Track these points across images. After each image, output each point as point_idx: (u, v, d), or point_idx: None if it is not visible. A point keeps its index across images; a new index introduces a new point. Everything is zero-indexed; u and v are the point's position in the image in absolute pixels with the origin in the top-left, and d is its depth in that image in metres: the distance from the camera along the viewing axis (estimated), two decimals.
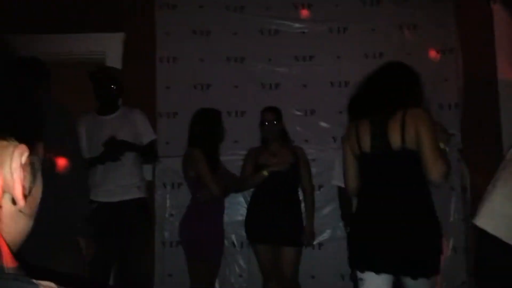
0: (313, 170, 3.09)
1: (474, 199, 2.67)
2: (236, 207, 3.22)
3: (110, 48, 3.43)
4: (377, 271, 1.97)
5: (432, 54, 3.41)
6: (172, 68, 3.47)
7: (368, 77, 2.20)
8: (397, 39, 3.44)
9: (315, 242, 3.14)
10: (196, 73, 3.47)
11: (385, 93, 2.08)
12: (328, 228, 3.24)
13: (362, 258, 2.05)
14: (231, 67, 3.48)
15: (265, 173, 2.88)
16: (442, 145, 2.01)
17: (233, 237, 3.28)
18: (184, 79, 3.46)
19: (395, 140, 1.98)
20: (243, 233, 3.02)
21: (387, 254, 1.96)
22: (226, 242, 3.09)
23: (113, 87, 2.90)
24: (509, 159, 1.67)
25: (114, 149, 2.77)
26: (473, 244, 1.69)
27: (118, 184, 2.83)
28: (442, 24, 3.42)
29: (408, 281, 1.98)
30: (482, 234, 1.62)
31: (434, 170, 1.89)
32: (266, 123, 2.99)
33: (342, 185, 2.92)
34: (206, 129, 2.90)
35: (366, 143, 2.06)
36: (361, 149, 2.08)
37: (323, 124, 3.37)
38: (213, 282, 2.95)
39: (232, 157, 3.20)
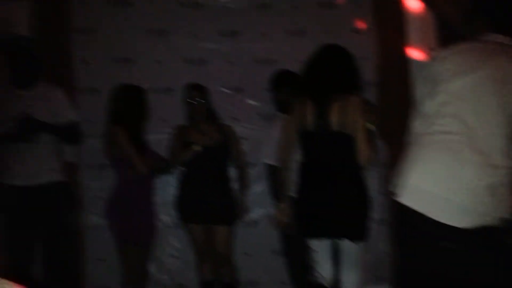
0: (243, 148, 3.12)
1: (390, 173, 2.91)
2: (168, 188, 3.16)
3: (17, 16, 3.07)
4: (319, 237, 2.33)
5: (350, 32, 3.57)
6: (90, 40, 3.23)
7: (313, 58, 2.39)
8: (317, 18, 3.53)
9: (248, 220, 3.22)
10: (116, 46, 3.27)
11: (329, 77, 2.29)
12: (261, 205, 3.30)
13: (306, 226, 2.35)
14: (153, 41, 3.34)
15: (197, 147, 2.84)
16: (370, 126, 2.22)
17: (166, 218, 3.23)
18: (104, 52, 3.25)
19: (334, 123, 2.20)
20: (175, 213, 2.99)
21: (325, 221, 2.27)
22: (158, 223, 3.03)
23: (32, 59, 2.66)
24: (417, 133, 1.81)
25: (27, 128, 2.56)
26: (393, 217, 1.82)
27: (33, 166, 2.64)
28: (359, 4, 3.57)
29: (343, 244, 2.31)
30: (403, 208, 1.69)
31: (363, 155, 2.24)
32: (191, 101, 2.94)
33: (272, 163, 3.03)
34: (128, 106, 2.78)
35: (310, 121, 2.26)
36: (304, 127, 2.26)
37: (251, 102, 3.39)
38: (145, 265, 2.92)
39: (160, 136, 3.10)
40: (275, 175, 2.97)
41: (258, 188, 3.29)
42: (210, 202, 2.85)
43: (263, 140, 3.07)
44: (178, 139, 2.94)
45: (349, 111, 2.21)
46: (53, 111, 2.69)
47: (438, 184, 1.54)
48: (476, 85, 1.56)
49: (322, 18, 3.53)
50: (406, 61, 3.39)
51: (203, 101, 2.94)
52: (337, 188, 2.27)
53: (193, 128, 2.95)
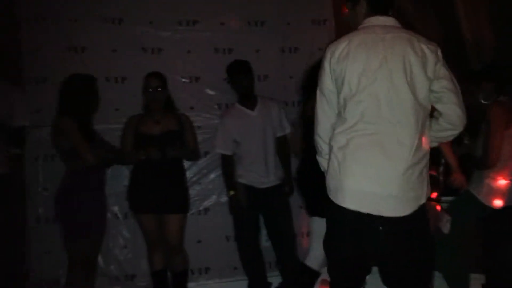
0: (199, 137, 3.05)
1: None
2: (119, 177, 3.04)
3: None
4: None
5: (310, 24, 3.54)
6: (40, 28, 3.08)
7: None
8: (276, 9, 3.49)
9: (201, 208, 3.20)
10: (68, 34, 3.13)
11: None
12: (214, 193, 3.25)
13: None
14: (108, 29, 3.21)
15: (142, 155, 2.75)
16: None
17: (116, 208, 3.12)
18: (56, 41, 3.10)
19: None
20: (126, 204, 2.89)
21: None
22: (108, 214, 2.92)
23: None
24: (340, 135, 1.79)
25: None
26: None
27: None
28: None
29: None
30: (340, 209, 1.72)
31: None
32: (150, 90, 2.85)
33: (225, 153, 2.99)
34: (77, 96, 2.65)
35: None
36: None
37: (208, 91, 3.30)
38: (95, 258, 2.80)
39: (114, 126, 2.99)
40: (227, 164, 3.00)
41: (212, 176, 3.25)
42: (161, 191, 2.77)
43: (217, 130, 3.03)
44: (130, 131, 2.84)
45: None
46: (6, 113, 2.57)
47: (371, 182, 1.61)
48: (385, 79, 1.61)
49: (282, 9, 3.49)
50: None
51: (162, 90, 2.86)
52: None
53: (149, 118, 2.85)
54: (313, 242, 2.59)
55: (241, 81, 2.98)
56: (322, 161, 1.83)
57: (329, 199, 1.71)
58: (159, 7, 3.27)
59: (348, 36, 1.70)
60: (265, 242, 3.14)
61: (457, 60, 3.07)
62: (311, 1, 3.53)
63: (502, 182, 2.49)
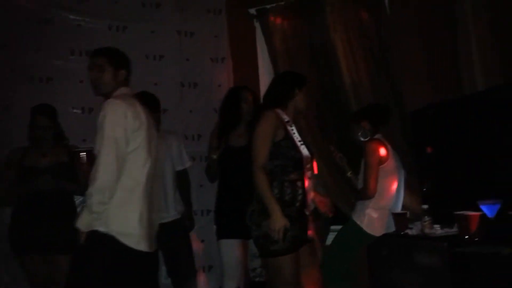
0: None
1: None
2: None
3: None
4: None
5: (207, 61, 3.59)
6: None
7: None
8: (176, 43, 3.48)
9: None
10: None
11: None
12: None
13: None
14: None
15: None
16: None
17: None
18: None
19: None
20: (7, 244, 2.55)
21: None
22: None
23: None
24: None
25: None
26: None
27: None
28: (216, 35, 3.63)
29: None
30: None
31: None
32: (37, 124, 2.61)
33: None
34: None
35: None
36: None
37: None
38: None
39: None
40: None
41: None
42: (49, 230, 2.50)
43: None
44: (14, 163, 2.55)
45: None
46: None
47: (138, 224, 1.91)
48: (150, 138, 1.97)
49: (181, 45, 3.49)
50: (257, 87, 3.54)
51: (51, 127, 2.64)
52: None
53: (35, 150, 2.60)
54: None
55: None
56: None
57: None
58: (50, 35, 3.07)
59: None
60: (164, 279, 2.98)
61: (338, 102, 3.34)
62: (209, 39, 3.59)
63: (380, 211, 2.69)
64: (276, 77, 2.53)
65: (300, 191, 2.14)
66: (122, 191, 1.88)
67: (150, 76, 3.28)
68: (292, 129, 2.23)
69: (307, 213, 2.22)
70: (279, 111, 2.24)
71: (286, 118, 2.23)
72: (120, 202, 1.88)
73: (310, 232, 2.23)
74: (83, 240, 1.89)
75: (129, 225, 1.90)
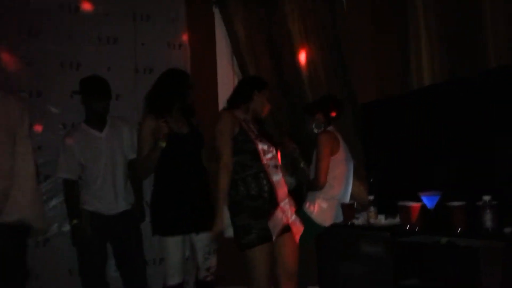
0: (39, 159, 2.71)
1: None
2: None
3: None
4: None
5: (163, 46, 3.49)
6: None
7: None
8: (130, 26, 3.36)
9: (39, 239, 2.80)
10: None
11: None
12: (55, 222, 2.90)
13: None
14: None
15: None
16: None
17: None
18: None
19: None
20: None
21: None
22: None
23: None
24: None
25: None
26: None
27: None
28: (173, 20, 3.52)
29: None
30: None
31: None
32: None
33: (69, 177, 2.71)
34: None
35: None
36: None
37: (51, 108, 2.99)
38: None
39: None
40: (70, 189, 2.71)
41: (54, 202, 2.92)
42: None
43: (60, 151, 2.73)
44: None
45: None
46: None
47: None
48: None
49: (136, 29, 3.37)
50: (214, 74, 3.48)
51: None
52: None
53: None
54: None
55: (97, 102, 2.71)
56: None
57: None
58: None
59: None
60: (113, 272, 2.88)
61: (297, 93, 3.35)
62: (165, 23, 3.48)
63: (330, 202, 2.75)
64: (239, 80, 2.73)
65: (265, 182, 2.21)
66: None
67: (102, 60, 3.15)
68: (249, 126, 2.33)
69: (282, 204, 2.25)
70: (236, 111, 2.37)
71: (242, 116, 2.35)
72: None
73: (287, 222, 2.26)
74: None
75: None
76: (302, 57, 3.37)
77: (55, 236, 2.89)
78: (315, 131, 2.83)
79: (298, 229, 2.32)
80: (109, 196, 2.70)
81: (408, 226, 2.34)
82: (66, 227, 2.86)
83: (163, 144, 2.47)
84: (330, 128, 2.85)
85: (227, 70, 3.71)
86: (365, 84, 3.12)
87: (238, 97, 2.43)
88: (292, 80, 3.39)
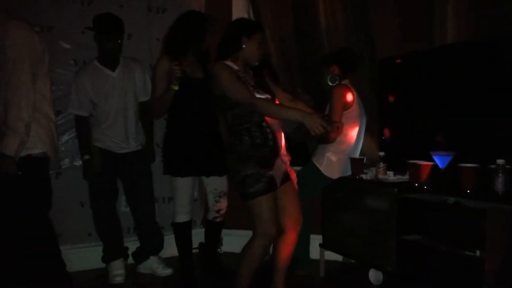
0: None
1: None
2: None
3: None
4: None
5: None
6: None
7: None
8: None
9: (51, 172, 2.84)
10: None
11: None
12: (67, 156, 2.92)
13: None
14: None
15: None
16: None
17: None
18: None
19: None
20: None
21: None
22: None
23: None
24: None
25: None
26: None
27: None
28: None
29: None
30: None
31: None
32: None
33: (80, 114, 2.71)
34: None
35: None
36: None
37: (63, 43, 2.92)
38: None
39: None
40: (81, 126, 2.73)
41: (66, 137, 2.92)
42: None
43: (72, 87, 2.72)
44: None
45: None
46: None
47: None
48: None
49: None
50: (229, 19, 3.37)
51: None
52: None
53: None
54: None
55: (111, 41, 2.66)
56: None
57: None
58: None
59: None
60: (124, 207, 2.98)
61: (312, 45, 3.23)
62: None
63: (339, 156, 2.74)
64: (227, 26, 2.27)
65: (268, 131, 2.13)
66: None
67: None
68: (244, 76, 2.17)
69: (283, 152, 2.23)
70: (228, 62, 2.16)
71: (235, 67, 2.16)
72: None
73: (287, 170, 2.25)
74: None
75: None
76: (322, 5, 3.22)
77: (67, 170, 2.93)
78: (330, 83, 2.77)
79: (295, 177, 2.31)
80: (119, 135, 2.73)
81: (417, 184, 2.34)
82: (78, 161, 2.90)
83: (176, 87, 2.46)
84: (345, 81, 2.78)
85: (242, 15, 3.57)
86: (385, 38, 3.00)
87: (225, 47, 2.17)
88: (308, 29, 3.26)
